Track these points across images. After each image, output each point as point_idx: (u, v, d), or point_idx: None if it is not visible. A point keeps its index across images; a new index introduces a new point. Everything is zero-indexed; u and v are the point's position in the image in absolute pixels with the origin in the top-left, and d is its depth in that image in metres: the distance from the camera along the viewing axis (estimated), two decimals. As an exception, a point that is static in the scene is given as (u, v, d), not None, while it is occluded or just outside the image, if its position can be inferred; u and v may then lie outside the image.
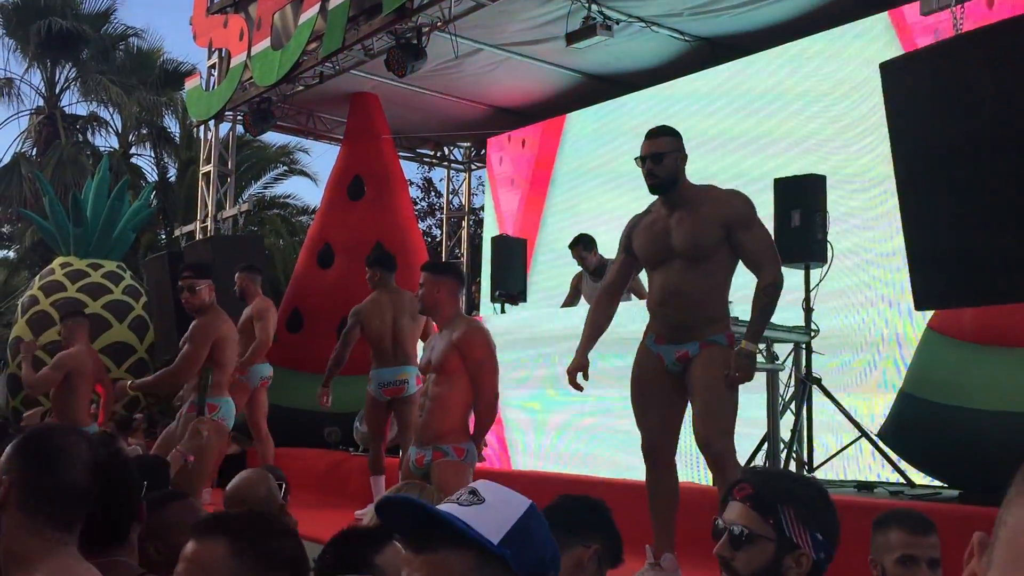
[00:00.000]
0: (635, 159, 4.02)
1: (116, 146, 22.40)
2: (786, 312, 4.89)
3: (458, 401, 4.30)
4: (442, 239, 15.05)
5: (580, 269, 7.36)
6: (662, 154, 3.95)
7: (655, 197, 4.11)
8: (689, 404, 4.00)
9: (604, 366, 6.19)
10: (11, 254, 23.34)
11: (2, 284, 23.65)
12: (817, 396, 5.64)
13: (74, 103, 22.78)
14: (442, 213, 15.69)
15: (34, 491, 1.89)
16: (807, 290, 5.65)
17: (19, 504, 1.87)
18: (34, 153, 21.59)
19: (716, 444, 3.82)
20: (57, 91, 22.26)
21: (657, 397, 4.02)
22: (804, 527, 1.80)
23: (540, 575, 1.27)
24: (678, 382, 3.98)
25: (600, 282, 7.05)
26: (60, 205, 12.42)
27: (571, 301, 7.29)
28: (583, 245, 7.17)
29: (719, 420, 3.85)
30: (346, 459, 8.07)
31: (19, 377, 11.29)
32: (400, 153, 12.01)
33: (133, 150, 22.78)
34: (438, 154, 13.85)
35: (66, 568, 1.90)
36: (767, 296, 3.91)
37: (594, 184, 10.07)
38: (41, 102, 22.20)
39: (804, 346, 5.61)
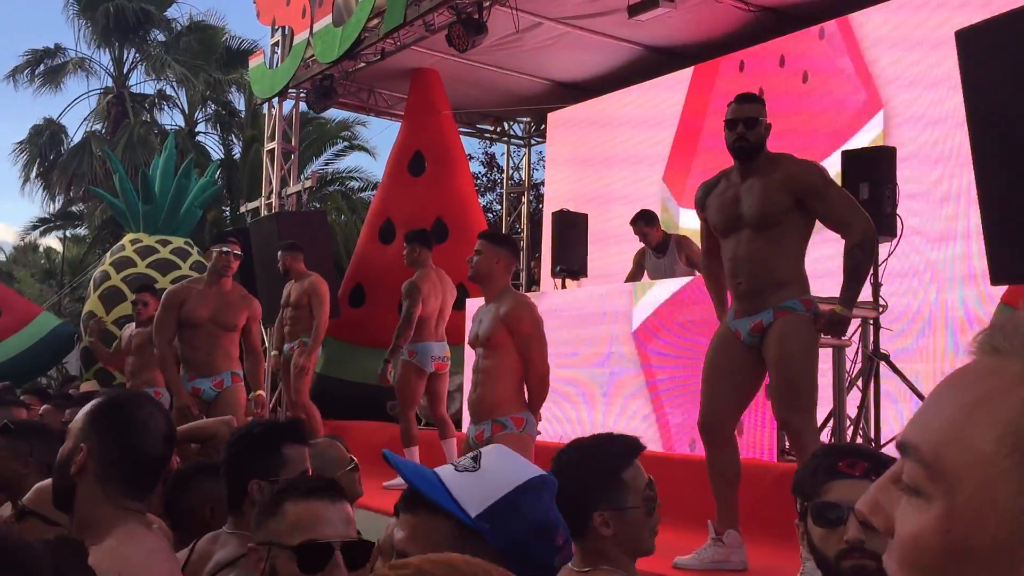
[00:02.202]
0: (725, 122, 3.95)
1: (182, 124, 22.85)
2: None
3: (509, 372, 4.28)
4: (502, 214, 15.07)
5: (642, 245, 7.30)
6: (756, 119, 3.90)
7: (717, 169, 4.07)
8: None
9: (657, 346, 6.17)
10: (83, 231, 24.00)
11: (75, 260, 24.36)
12: (885, 373, 5.53)
13: (142, 82, 23.27)
14: (503, 188, 15.70)
15: (112, 460, 1.92)
16: (875, 264, 5.53)
17: (97, 473, 1.91)
18: (104, 132, 22.11)
19: (795, 421, 3.77)
20: (125, 71, 22.74)
21: (729, 372, 3.97)
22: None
23: (523, 553, 1.21)
24: (756, 357, 3.91)
25: (663, 258, 7.00)
26: (130, 183, 12.73)
27: (634, 276, 7.24)
28: (645, 221, 7.11)
29: (798, 396, 3.77)
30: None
31: (92, 350, 11.65)
32: (460, 129, 12.02)
33: (199, 128, 23.22)
34: (498, 129, 13.84)
35: (136, 536, 1.94)
36: (854, 257, 3.80)
37: (655, 159, 9.97)
38: (110, 82, 22.70)
39: (872, 321, 5.50)
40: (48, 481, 2.40)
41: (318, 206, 19.58)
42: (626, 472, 2.06)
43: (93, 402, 2.02)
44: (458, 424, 8.02)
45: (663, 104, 9.98)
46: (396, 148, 11.09)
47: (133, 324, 8.30)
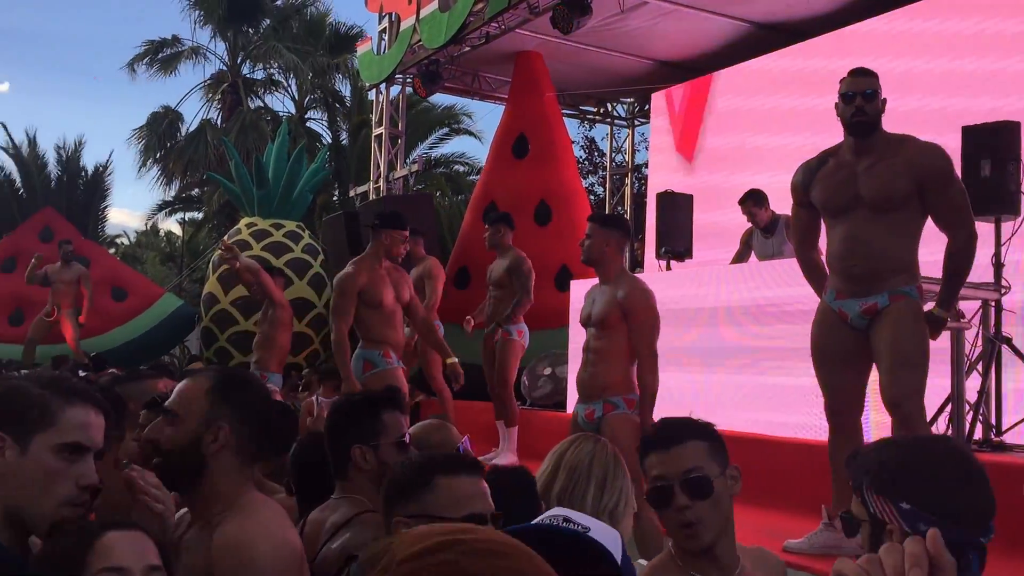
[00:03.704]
0: (841, 96, 3.83)
1: (293, 111, 23.49)
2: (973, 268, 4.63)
3: (622, 353, 4.28)
4: (605, 196, 15.02)
5: (750, 225, 7.19)
6: (875, 92, 3.80)
7: (823, 147, 3.97)
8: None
9: (760, 331, 6.08)
10: (200, 215, 24.98)
11: (194, 244, 25.41)
12: (1007, 357, 5.33)
13: (254, 70, 23.99)
14: (605, 171, 15.64)
15: (247, 433, 2.02)
16: (997, 245, 5.32)
17: (234, 447, 2.00)
18: (219, 119, 22.93)
19: (905, 405, 3.68)
20: (238, 59, 23.50)
21: (840, 357, 3.90)
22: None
23: None
24: (862, 338, 3.84)
25: (771, 238, 6.89)
26: (244, 168, 13.20)
27: (741, 257, 7.15)
28: (753, 201, 7.00)
29: (909, 379, 3.69)
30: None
31: (212, 330, 12.18)
32: (563, 111, 12.03)
33: (308, 114, 23.83)
34: (601, 111, 13.79)
35: (268, 504, 2.06)
36: (955, 261, 3.73)
37: (766, 137, 9.77)
38: (225, 70, 23.49)
39: (993, 304, 5.30)
40: None
41: (422, 189, 19.91)
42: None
43: (208, 380, 2.07)
44: (561, 405, 8.09)
45: (775, 80, 9.76)
46: (500, 131, 11.18)
47: None
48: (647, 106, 12.45)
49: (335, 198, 21.16)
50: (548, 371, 8.33)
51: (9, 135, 19.63)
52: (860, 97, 3.79)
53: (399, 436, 2.55)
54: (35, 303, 11.99)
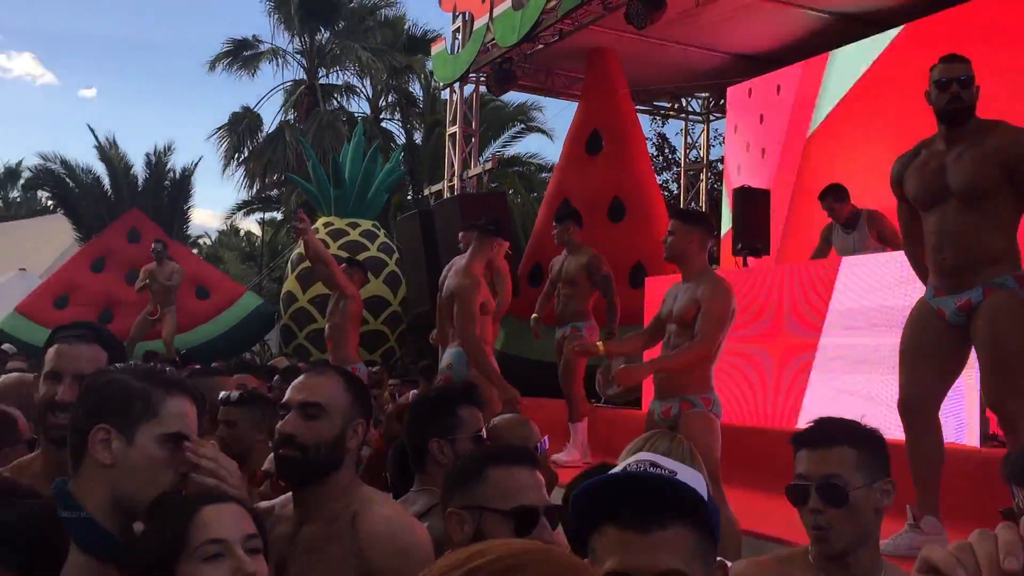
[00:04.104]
0: (934, 83, 3.72)
1: (368, 111, 23.81)
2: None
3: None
4: (679, 193, 14.88)
5: (831, 220, 7.04)
6: (970, 78, 3.69)
7: (915, 140, 3.86)
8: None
9: (842, 322, 5.94)
10: (278, 215, 25.50)
11: (272, 243, 25.97)
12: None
13: (330, 72, 24.39)
14: (679, 167, 15.48)
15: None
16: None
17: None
18: (296, 120, 23.37)
19: (1010, 404, 3.56)
20: (315, 61, 23.93)
21: (932, 353, 3.79)
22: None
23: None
24: (961, 337, 3.72)
25: (852, 233, 6.73)
26: (321, 169, 13.45)
27: (820, 253, 7.00)
28: (834, 196, 6.84)
29: (1012, 378, 3.56)
30: (590, 409, 8.24)
31: (292, 328, 12.44)
32: (637, 107, 11.95)
33: (383, 115, 24.13)
34: (675, 106, 13.66)
35: (378, 494, 2.17)
36: None
37: (849, 130, 9.56)
38: (302, 72, 23.95)
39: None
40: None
41: (495, 187, 19.98)
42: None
43: (342, 377, 2.14)
44: (636, 403, 8.04)
45: (858, 72, 9.53)
46: (573, 127, 11.16)
47: None
48: (722, 100, 12.28)
49: (409, 197, 21.39)
50: (622, 367, 8.27)
51: (97, 138, 20.33)
52: (955, 83, 3.68)
53: (475, 430, 2.60)
54: (122, 302, 12.41)
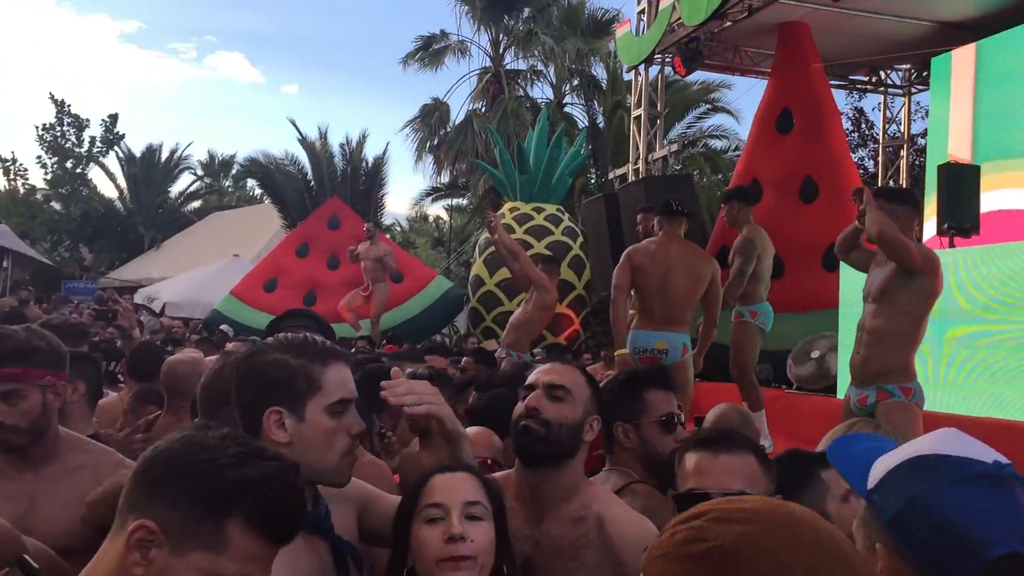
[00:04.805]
0: None
1: (551, 97, 24.02)
2: None
3: (899, 336, 4.03)
4: (877, 171, 14.13)
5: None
6: None
7: None
8: None
9: None
10: (465, 201, 26.21)
11: (459, 228, 26.74)
12: None
13: (514, 59, 24.78)
14: (876, 143, 14.71)
15: None
16: None
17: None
18: (482, 109, 23.92)
19: None
20: (500, 50, 24.38)
21: None
22: None
23: (905, 537, 1.10)
24: None
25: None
26: (507, 155, 13.69)
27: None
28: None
29: None
30: (779, 397, 8.03)
31: (479, 311, 12.79)
32: (831, 82, 11.45)
33: (565, 99, 24.27)
34: (872, 79, 12.97)
35: (601, 487, 2.28)
36: None
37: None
38: (488, 61, 24.46)
39: None
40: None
41: (680, 169, 19.68)
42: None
43: (581, 371, 2.21)
44: (830, 389, 7.76)
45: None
46: (763, 106, 10.84)
47: None
48: (926, 72, 11.55)
49: (592, 181, 21.44)
50: (816, 354, 8.02)
51: (300, 132, 21.62)
52: None
53: (662, 415, 2.55)
54: (326, 285, 13.15)
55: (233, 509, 1.26)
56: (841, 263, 7.84)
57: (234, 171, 35.76)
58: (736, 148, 20.14)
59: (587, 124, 22.52)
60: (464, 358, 6.14)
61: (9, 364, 2.23)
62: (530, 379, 2.17)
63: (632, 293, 5.73)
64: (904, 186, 12.68)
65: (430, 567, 1.68)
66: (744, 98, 40.85)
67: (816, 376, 8.07)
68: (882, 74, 12.88)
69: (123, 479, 1.97)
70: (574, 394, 2.09)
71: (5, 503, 2.18)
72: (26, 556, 1.57)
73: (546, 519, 2.01)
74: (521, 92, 24.48)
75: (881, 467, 1.16)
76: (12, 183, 31.92)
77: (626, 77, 15.94)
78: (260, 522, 1.27)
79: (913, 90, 12.92)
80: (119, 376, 4.95)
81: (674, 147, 12.16)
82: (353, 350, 7.29)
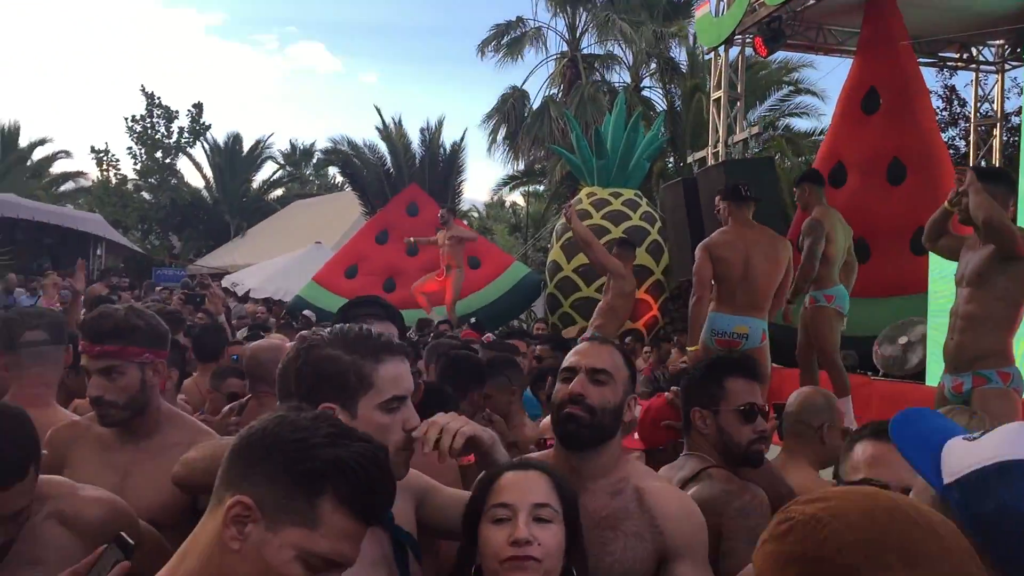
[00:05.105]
0: None
1: (628, 81, 23.81)
2: None
3: (994, 319, 3.91)
4: (968, 150, 13.64)
5: None
6: None
7: None
8: None
9: None
10: (542, 187, 26.21)
11: (536, 214, 26.75)
12: None
13: (591, 44, 24.64)
14: (967, 122, 14.20)
15: None
16: None
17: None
18: (559, 95, 23.86)
19: None
20: (577, 34, 24.26)
21: None
22: None
23: (987, 535, 1.07)
24: None
25: None
26: (584, 140, 13.63)
27: None
28: None
29: None
30: (865, 383, 7.86)
31: (557, 296, 12.79)
32: (919, 59, 11.08)
33: (643, 83, 24.04)
34: (963, 56, 12.51)
35: (639, 466, 2.34)
36: None
37: None
38: (565, 47, 24.38)
39: None
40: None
41: (760, 152, 19.31)
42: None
43: (619, 351, 2.24)
44: (919, 376, 7.56)
45: None
46: (848, 85, 10.55)
47: None
48: (1020, 48, 11.10)
49: (671, 165, 21.20)
50: (903, 340, 7.81)
51: (382, 119, 21.89)
52: None
53: (742, 404, 2.51)
54: (405, 271, 13.32)
55: (326, 487, 1.29)
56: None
57: (315, 159, 36.41)
58: (820, 132, 19.68)
59: (665, 108, 22.26)
60: (539, 346, 6.17)
61: (109, 341, 2.32)
62: (569, 362, 2.17)
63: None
64: (997, 166, 12.23)
65: (495, 567, 1.66)
66: (826, 79, 39.74)
67: (903, 362, 7.87)
68: (973, 50, 12.42)
69: (215, 447, 2.03)
70: (615, 377, 2.10)
71: (103, 473, 2.28)
72: (123, 533, 1.63)
73: (585, 493, 2.02)
74: (598, 77, 24.33)
75: (963, 461, 1.13)
76: (105, 173, 33.13)
77: (706, 59, 15.70)
78: (351, 500, 1.31)
79: (1007, 67, 12.42)
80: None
81: (755, 129, 11.93)
82: (431, 335, 7.37)
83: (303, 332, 2.06)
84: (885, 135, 9.73)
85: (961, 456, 1.14)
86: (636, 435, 3.10)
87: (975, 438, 1.17)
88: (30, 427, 1.86)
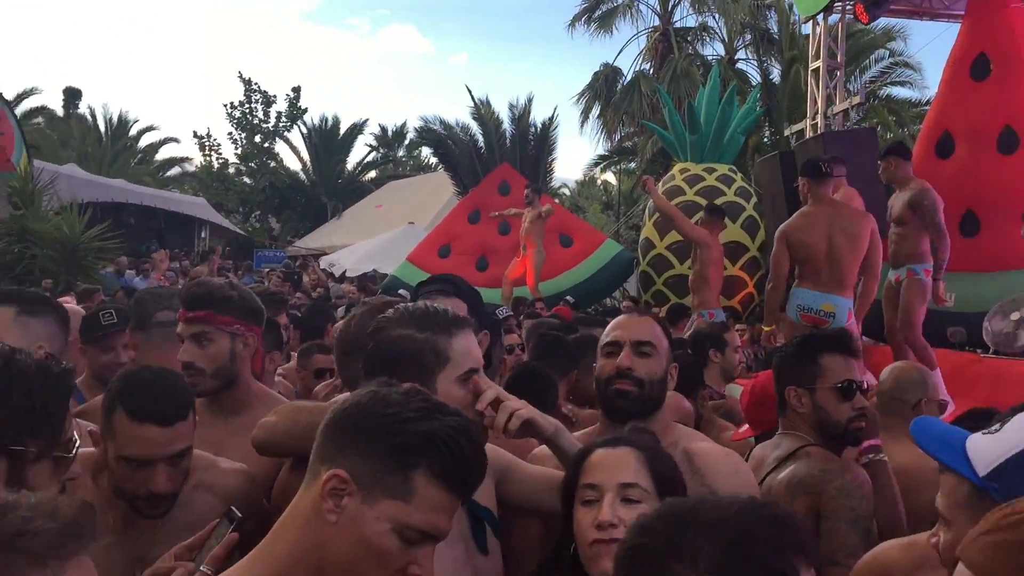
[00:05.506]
0: None
1: (722, 54, 23.32)
2: None
3: None
4: (1088, 117, 12.90)
5: None
6: None
7: None
8: None
9: None
10: (633, 165, 25.96)
11: (628, 192, 26.52)
12: None
13: (684, 16, 24.21)
14: (1088, 86, 13.41)
15: None
16: None
17: None
18: (651, 70, 23.53)
19: None
20: (670, 7, 23.86)
21: None
22: None
23: None
24: None
25: None
26: (677, 115, 13.42)
27: None
28: None
29: None
30: (974, 361, 7.55)
31: (650, 274, 12.67)
32: (1034, 21, 10.51)
33: (737, 55, 23.51)
34: (1084, 16, 11.81)
35: (685, 429, 2.39)
36: None
37: None
38: (657, 20, 24.00)
39: None
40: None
41: (860, 122, 18.69)
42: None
43: (657, 321, 2.27)
44: (1032, 355, 7.23)
45: None
46: (955, 51, 10.08)
47: None
48: None
49: (766, 139, 20.72)
50: (1016, 316, 7.47)
51: (473, 99, 22.00)
52: None
53: (839, 381, 2.47)
54: (497, 250, 13.39)
55: (419, 460, 1.31)
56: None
57: (407, 140, 36.85)
58: (927, 102, 18.92)
59: (760, 80, 21.73)
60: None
61: (200, 307, 2.39)
62: (612, 336, 2.17)
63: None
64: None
65: (584, 548, 1.64)
66: (930, 48, 38.18)
67: (1015, 339, 7.53)
68: (1095, 10, 11.71)
69: (295, 410, 2.08)
70: (658, 348, 2.14)
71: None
72: (232, 508, 1.69)
73: None
74: (691, 50, 23.89)
75: (994, 452, 1.19)
76: (207, 158, 34.26)
77: (804, 29, 15.25)
78: (444, 473, 1.33)
79: None
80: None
81: (857, 99, 11.51)
82: (522, 315, 7.40)
83: (362, 307, 2.09)
84: (996, 102, 9.27)
85: (989, 449, 1.20)
86: (743, 428, 3.07)
87: (995, 431, 1.22)
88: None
